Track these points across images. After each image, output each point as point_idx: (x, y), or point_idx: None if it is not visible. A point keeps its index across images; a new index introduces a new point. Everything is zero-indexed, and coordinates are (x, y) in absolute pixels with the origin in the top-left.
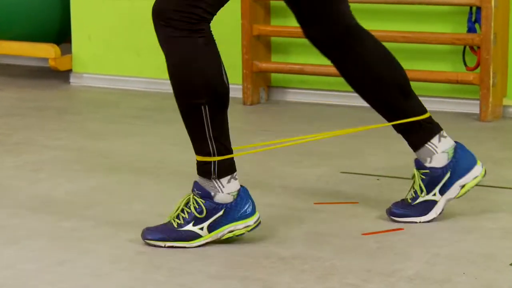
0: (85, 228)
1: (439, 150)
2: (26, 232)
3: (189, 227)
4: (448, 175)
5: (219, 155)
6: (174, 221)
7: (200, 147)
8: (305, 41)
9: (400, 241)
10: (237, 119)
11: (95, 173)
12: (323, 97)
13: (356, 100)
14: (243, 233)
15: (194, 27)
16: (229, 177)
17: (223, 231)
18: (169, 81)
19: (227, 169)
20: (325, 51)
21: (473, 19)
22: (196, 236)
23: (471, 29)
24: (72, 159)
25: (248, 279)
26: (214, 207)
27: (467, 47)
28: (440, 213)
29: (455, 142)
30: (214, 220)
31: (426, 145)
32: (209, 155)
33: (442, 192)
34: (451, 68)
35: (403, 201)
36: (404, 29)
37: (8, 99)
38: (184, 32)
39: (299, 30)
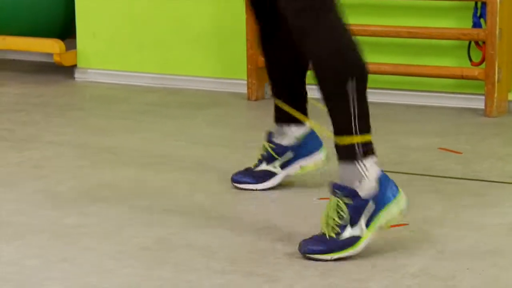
0: (89, 224)
1: (292, 135)
2: (30, 228)
3: (348, 231)
4: (291, 154)
5: (362, 134)
6: (331, 232)
7: (343, 127)
8: None
9: (405, 237)
10: (242, 115)
11: (99, 169)
12: None
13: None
14: (400, 218)
15: (327, 7)
16: (372, 160)
17: (380, 222)
18: (173, 76)
19: (371, 150)
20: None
21: (478, 14)
22: (358, 238)
23: (476, 24)
24: (76, 155)
25: (252, 274)
26: (363, 203)
27: (472, 42)
28: (276, 185)
29: (310, 128)
30: (368, 215)
31: (285, 125)
32: (352, 134)
33: (282, 167)
34: (456, 63)
35: (246, 169)
36: (409, 24)
37: (12, 94)
38: (321, 11)
39: None
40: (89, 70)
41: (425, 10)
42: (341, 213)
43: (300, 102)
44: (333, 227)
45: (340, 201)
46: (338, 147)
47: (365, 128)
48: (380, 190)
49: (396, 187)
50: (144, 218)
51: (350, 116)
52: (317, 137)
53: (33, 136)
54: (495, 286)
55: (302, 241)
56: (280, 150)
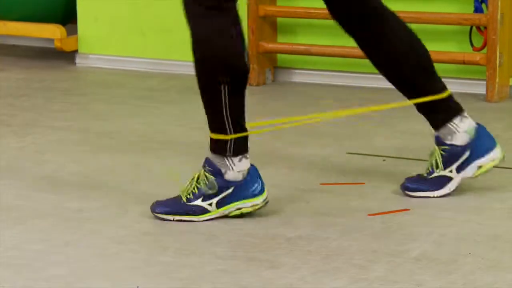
0: (91, 208)
1: (461, 130)
2: (32, 212)
3: (198, 202)
4: (467, 154)
5: (235, 133)
6: (184, 195)
7: (216, 125)
8: (311, 21)
9: (407, 221)
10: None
11: (100, 153)
12: (329, 78)
13: (363, 81)
14: (250, 211)
15: (223, 5)
16: (241, 156)
17: (231, 208)
18: (174, 62)
19: (241, 148)
20: (350, 31)
21: None
22: (205, 211)
23: (477, 9)
24: (78, 140)
25: (254, 260)
26: (224, 185)
27: (474, 28)
28: (453, 190)
29: (477, 123)
30: (223, 197)
31: (448, 124)
32: (225, 133)
33: (459, 170)
34: (457, 48)
35: (418, 175)
36: (410, 9)
37: (14, 80)
38: (213, 11)
39: (306, 10)
40: (90, 56)
41: None
42: (202, 184)
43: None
44: (188, 193)
45: (205, 175)
46: (210, 138)
47: (239, 128)
48: (245, 181)
49: (263, 186)
50: (146, 203)
51: (223, 117)
52: (488, 133)
53: (35, 121)
54: (497, 270)
55: (154, 202)
56: (456, 151)
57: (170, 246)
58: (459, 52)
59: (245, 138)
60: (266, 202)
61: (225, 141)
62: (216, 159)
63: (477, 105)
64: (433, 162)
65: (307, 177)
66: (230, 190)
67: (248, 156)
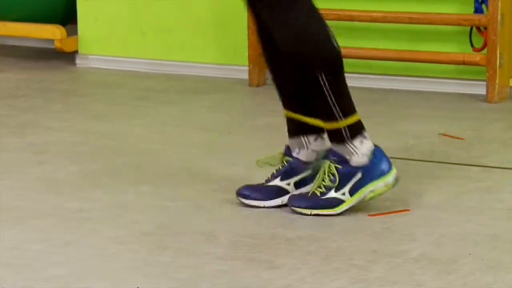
0: (91, 209)
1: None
2: (32, 213)
3: (331, 194)
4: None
5: (345, 118)
6: (317, 190)
7: (326, 115)
8: None
9: (406, 222)
10: (242, 101)
11: (100, 154)
12: None
13: (358, 81)
14: (384, 191)
15: None
16: (360, 138)
17: (364, 192)
18: (173, 62)
19: (357, 129)
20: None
21: (480, 0)
22: (340, 202)
23: (478, 10)
24: (77, 140)
25: (254, 260)
26: (351, 171)
27: (474, 28)
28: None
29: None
30: (355, 183)
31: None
32: (336, 121)
33: (297, 185)
34: (457, 49)
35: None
36: (410, 10)
37: (13, 80)
38: (288, 4)
39: None
40: (90, 56)
41: None
42: (331, 176)
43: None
44: (319, 186)
45: (332, 165)
46: (326, 130)
47: (348, 111)
48: (371, 163)
49: (390, 164)
50: (146, 204)
51: (329, 104)
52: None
53: (34, 122)
54: (496, 270)
55: (290, 196)
56: (299, 165)
57: (170, 246)
58: (459, 53)
59: (359, 119)
60: (397, 180)
61: (339, 129)
62: (338, 148)
63: (477, 105)
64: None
65: None
66: (359, 175)
67: (367, 136)
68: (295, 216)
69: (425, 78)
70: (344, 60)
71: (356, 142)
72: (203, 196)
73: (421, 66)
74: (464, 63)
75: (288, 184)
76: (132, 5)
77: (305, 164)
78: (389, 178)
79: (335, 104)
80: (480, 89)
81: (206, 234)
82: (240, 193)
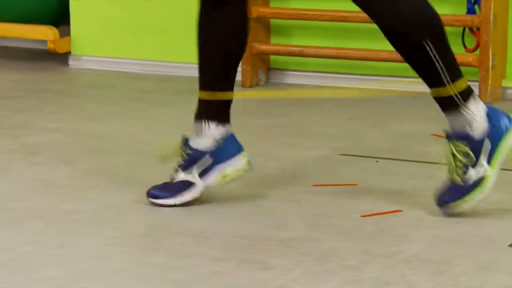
0: (85, 210)
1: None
2: (26, 214)
3: (472, 174)
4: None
5: (454, 84)
6: (456, 179)
7: (434, 82)
8: (304, 22)
9: (399, 223)
10: (236, 101)
11: (94, 155)
12: (322, 79)
13: (355, 82)
14: None
15: None
16: (473, 100)
17: (501, 155)
18: (167, 63)
19: (469, 91)
20: None
21: (473, 0)
22: (483, 177)
23: (470, 11)
24: (71, 141)
25: (246, 261)
26: (479, 141)
27: (467, 29)
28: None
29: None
30: (487, 153)
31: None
32: (445, 86)
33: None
34: None
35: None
36: None
37: (6, 81)
38: None
39: (299, 11)
40: (83, 57)
41: None
42: (461, 155)
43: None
44: (457, 169)
45: (457, 145)
46: (436, 99)
47: (456, 76)
48: (491, 125)
49: (508, 116)
50: (139, 205)
51: (437, 70)
52: (236, 141)
53: (28, 123)
54: (488, 271)
55: (437, 195)
56: (198, 155)
57: (163, 247)
58: None
59: (467, 84)
60: None
61: (450, 96)
62: (455, 118)
63: None
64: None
65: (299, 179)
66: (487, 143)
67: (477, 96)
68: (288, 217)
69: (419, 79)
70: (340, 62)
71: (471, 105)
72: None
73: None
74: None
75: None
76: (125, 6)
77: (202, 153)
78: None
79: (443, 69)
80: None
81: (199, 235)
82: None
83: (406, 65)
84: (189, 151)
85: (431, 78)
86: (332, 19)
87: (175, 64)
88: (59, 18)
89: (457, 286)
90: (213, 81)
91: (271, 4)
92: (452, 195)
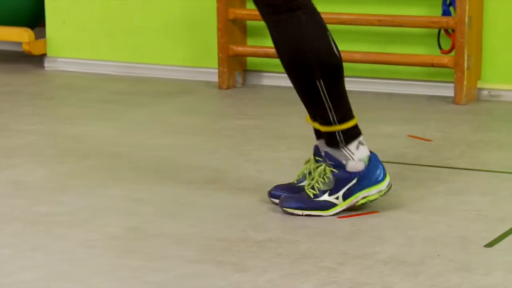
0: (60, 213)
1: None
2: (1, 217)
3: (325, 197)
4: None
5: (341, 123)
6: (310, 191)
7: (321, 118)
8: None
9: (376, 224)
10: (213, 103)
11: (69, 158)
12: None
13: None
14: (376, 198)
15: (293, 5)
16: (356, 143)
17: (357, 198)
18: (142, 65)
19: (353, 135)
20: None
21: (448, 2)
22: (332, 205)
23: (445, 12)
24: (46, 144)
25: (223, 263)
26: (347, 176)
27: (442, 30)
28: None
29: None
30: (348, 188)
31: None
32: (331, 125)
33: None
34: (425, 51)
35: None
36: (379, 12)
37: None
38: (287, 13)
39: None
40: (58, 59)
41: None
42: (325, 178)
43: None
44: (313, 188)
45: (328, 168)
46: (321, 132)
47: (344, 117)
48: (367, 169)
49: (385, 171)
50: (115, 207)
51: (326, 109)
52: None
53: (2, 125)
54: (464, 271)
55: (282, 196)
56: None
57: (139, 250)
58: (427, 55)
59: (355, 125)
60: (390, 187)
61: (334, 133)
62: (334, 152)
63: (445, 107)
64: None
65: (276, 180)
66: (354, 181)
67: (364, 142)
68: (265, 218)
69: (394, 80)
70: None
71: (352, 147)
72: (173, 199)
73: (390, 68)
74: (432, 65)
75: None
76: (100, 7)
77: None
78: (383, 185)
79: (332, 108)
80: (448, 91)
81: (176, 237)
82: (271, 194)
83: (383, 66)
84: (319, 158)
85: (319, 114)
86: None
87: (151, 66)
88: (34, 19)
89: (433, 286)
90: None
91: (248, 6)
92: (296, 203)
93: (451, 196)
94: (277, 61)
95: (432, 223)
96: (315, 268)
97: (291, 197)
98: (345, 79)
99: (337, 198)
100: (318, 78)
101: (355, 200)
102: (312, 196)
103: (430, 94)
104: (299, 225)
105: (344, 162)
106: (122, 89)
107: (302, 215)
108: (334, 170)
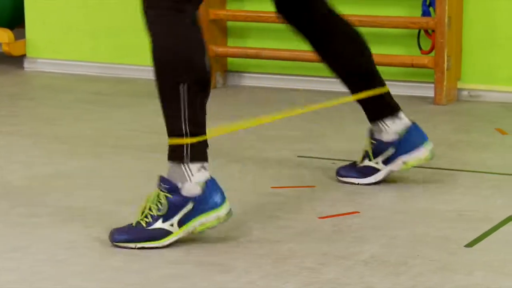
0: (42, 214)
1: (390, 130)
2: None
3: (159, 224)
4: (392, 150)
5: (192, 137)
6: (143, 220)
7: (173, 128)
8: (261, 25)
9: (357, 224)
10: None
11: (51, 158)
12: (279, 81)
13: (313, 84)
14: (215, 225)
15: (179, 7)
16: (199, 165)
17: (194, 224)
18: (123, 66)
19: (200, 155)
20: (300, 34)
21: (428, 2)
22: (167, 233)
23: (425, 13)
24: (28, 144)
25: (205, 264)
26: (182, 201)
27: (422, 31)
28: (379, 181)
29: (412, 122)
30: (184, 214)
31: (379, 122)
32: (181, 137)
33: (385, 163)
34: (406, 51)
35: (351, 164)
36: (359, 12)
37: None
38: (171, 11)
39: (255, 14)
40: (38, 60)
41: None
42: (159, 205)
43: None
44: (146, 216)
45: (161, 194)
46: (168, 146)
47: (197, 132)
48: (204, 194)
49: (223, 196)
50: (97, 208)
51: (181, 119)
52: (420, 131)
53: None
54: (445, 271)
55: (112, 230)
56: (381, 146)
57: (120, 251)
58: (407, 56)
59: (205, 146)
60: (230, 213)
61: (182, 146)
62: (172, 170)
63: (425, 108)
64: (364, 152)
65: (258, 181)
66: (190, 206)
67: (207, 167)
68: (247, 218)
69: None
70: (296, 63)
71: (194, 167)
72: None
73: None
74: (412, 65)
75: (377, 163)
76: (81, 8)
77: (387, 144)
78: (222, 211)
79: (186, 119)
80: (428, 91)
81: None
82: (339, 173)
83: None
84: (374, 142)
85: (171, 121)
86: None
87: (132, 67)
88: (14, 20)
89: (415, 286)
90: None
91: (228, 6)
92: (126, 235)
93: (432, 196)
94: (258, 61)
95: (414, 223)
96: (297, 268)
97: (120, 229)
98: (325, 79)
99: (171, 225)
100: (183, 83)
101: (192, 227)
102: (144, 225)
103: (410, 94)
104: (281, 225)
105: (179, 185)
106: (103, 90)
107: (135, 248)
108: (168, 195)
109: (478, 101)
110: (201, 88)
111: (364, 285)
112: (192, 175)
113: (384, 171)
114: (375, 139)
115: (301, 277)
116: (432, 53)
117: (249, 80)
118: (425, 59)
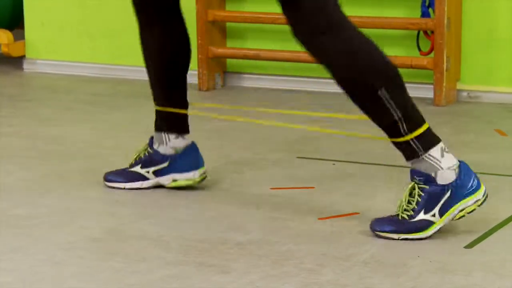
0: (40, 215)
1: (171, 144)
2: None
3: (421, 216)
4: (166, 164)
5: (412, 131)
6: (403, 213)
7: (393, 131)
8: (260, 26)
9: (356, 225)
10: (192, 105)
11: (48, 160)
12: (278, 82)
13: (312, 85)
14: (474, 209)
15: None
16: (438, 148)
17: (454, 212)
18: (122, 67)
19: (429, 141)
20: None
21: (427, 3)
22: (430, 223)
23: (424, 14)
24: (26, 145)
25: (204, 265)
26: (440, 190)
27: (421, 32)
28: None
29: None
30: (444, 203)
31: (163, 133)
32: (403, 135)
33: (156, 174)
34: (405, 52)
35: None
36: (358, 14)
37: None
38: (348, 25)
39: (255, 15)
40: (38, 61)
41: (374, 0)
42: (417, 197)
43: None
44: (406, 209)
45: (417, 186)
46: (397, 147)
47: (415, 125)
48: (460, 180)
49: (478, 180)
50: (95, 209)
51: (395, 121)
52: (197, 154)
53: None
54: (444, 272)
55: (374, 220)
56: (157, 157)
57: (119, 252)
58: (406, 57)
59: (429, 131)
60: (487, 196)
61: (408, 142)
62: (419, 165)
63: (424, 109)
64: (137, 157)
65: (257, 182)
66: (448, 194)
67: (447, 149)
68: (245, 219)
69: None
70: (295, 65)
71: (434, 153)
72: (153, 200)
73: None
74: (411, 66)
75: (147, 172)
76: (80, 9)
77: (163, 157)
78: (479, 195)
79: (401, 118)
80: (427, 92)
81: (156, 239)
82: (106, 178)
83: None
84: (151, 151)
85: (389, 126)
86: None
87: (131, 68)
88: (13, 21)
89: (414, 287)
90: (160, 96)
91: (227, 8)
92: (391, 226)
93: None
94: (257, 62)
95: None
96: (296, 269)
97: (384, 219)
98: (324, 80)
99: (433, 215)
100: (380, 88)
101: (452, 214)
102: (407, 218)
103: (409, 95)
104: (280, 226)
105: (433, 174)
106: (101, 91)
107: (398, 239)
108: (424, 186)
109: (477, 102)
110: (398, 83)
111: (363, 286)
112: (439, 161)
113: (152, 181)
114: (152, 149)
115: (300, 278)
116: (431, 54)
117: (248, 81)
118: (424, 60)
